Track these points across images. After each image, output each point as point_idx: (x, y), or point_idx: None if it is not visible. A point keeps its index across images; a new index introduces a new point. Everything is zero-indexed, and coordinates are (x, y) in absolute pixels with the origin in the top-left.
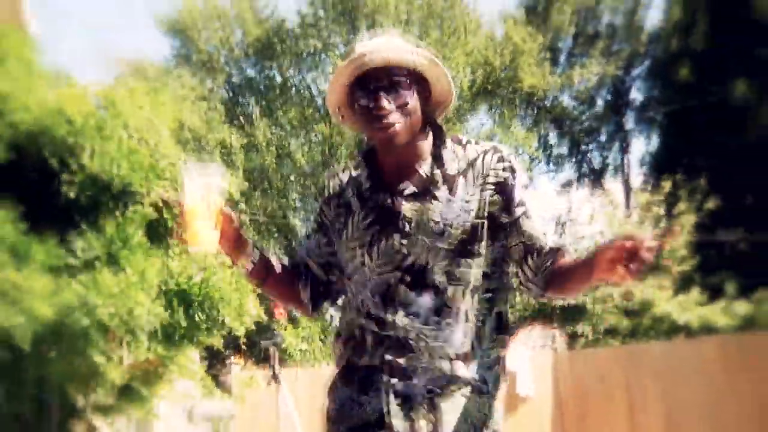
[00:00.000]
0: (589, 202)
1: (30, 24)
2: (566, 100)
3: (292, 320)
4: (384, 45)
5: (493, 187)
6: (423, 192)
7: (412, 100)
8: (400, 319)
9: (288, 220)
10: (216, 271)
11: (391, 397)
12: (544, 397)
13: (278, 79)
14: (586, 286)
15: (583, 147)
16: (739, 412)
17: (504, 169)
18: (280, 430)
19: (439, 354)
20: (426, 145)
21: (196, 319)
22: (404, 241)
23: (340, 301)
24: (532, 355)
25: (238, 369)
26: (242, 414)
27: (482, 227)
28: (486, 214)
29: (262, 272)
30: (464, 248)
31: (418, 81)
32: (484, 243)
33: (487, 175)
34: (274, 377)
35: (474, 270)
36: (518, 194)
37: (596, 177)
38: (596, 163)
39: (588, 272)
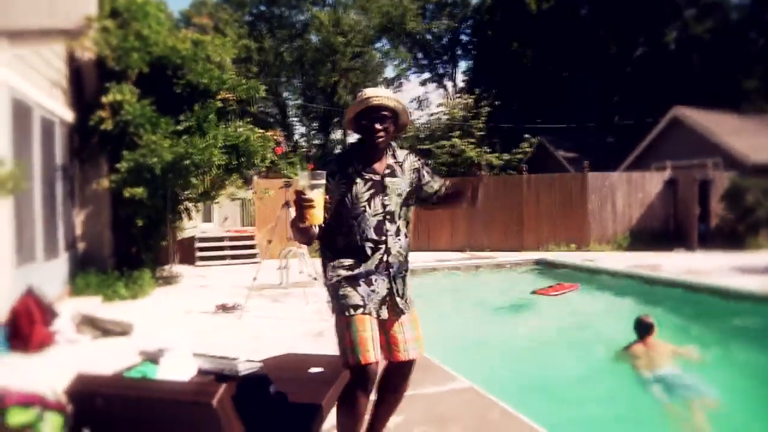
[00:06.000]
0: (436, 91)
1: None
2: (429, 37)
3: (291, 164)
4: (383, 94)
5: (414, 170)
6: (391, 172)
7: (390, 126)
8: (387, 238)
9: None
10: (250, 135)
11: (393, 277)
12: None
13: (277, 12)
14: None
15: (436, 62)
16: (500, 216)
17: (419, 161)
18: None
19: (402, 253)
20: (389, 146)
21: (241, 160)
22: (386, 199)
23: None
24: None
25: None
26: (260, 204)
27: (412, 191)
28: (413, 184)
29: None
30: (407, 201)
31: (394, 115)
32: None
33: (412, 166)
34: (286, 185)
35: (409, 211)
36: (425, 169)
37: (440, 80)
38: (442, 71)
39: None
